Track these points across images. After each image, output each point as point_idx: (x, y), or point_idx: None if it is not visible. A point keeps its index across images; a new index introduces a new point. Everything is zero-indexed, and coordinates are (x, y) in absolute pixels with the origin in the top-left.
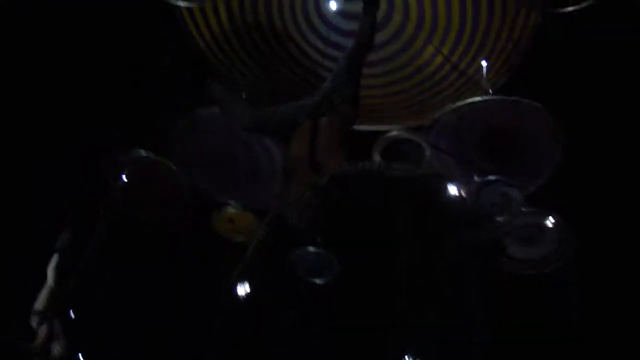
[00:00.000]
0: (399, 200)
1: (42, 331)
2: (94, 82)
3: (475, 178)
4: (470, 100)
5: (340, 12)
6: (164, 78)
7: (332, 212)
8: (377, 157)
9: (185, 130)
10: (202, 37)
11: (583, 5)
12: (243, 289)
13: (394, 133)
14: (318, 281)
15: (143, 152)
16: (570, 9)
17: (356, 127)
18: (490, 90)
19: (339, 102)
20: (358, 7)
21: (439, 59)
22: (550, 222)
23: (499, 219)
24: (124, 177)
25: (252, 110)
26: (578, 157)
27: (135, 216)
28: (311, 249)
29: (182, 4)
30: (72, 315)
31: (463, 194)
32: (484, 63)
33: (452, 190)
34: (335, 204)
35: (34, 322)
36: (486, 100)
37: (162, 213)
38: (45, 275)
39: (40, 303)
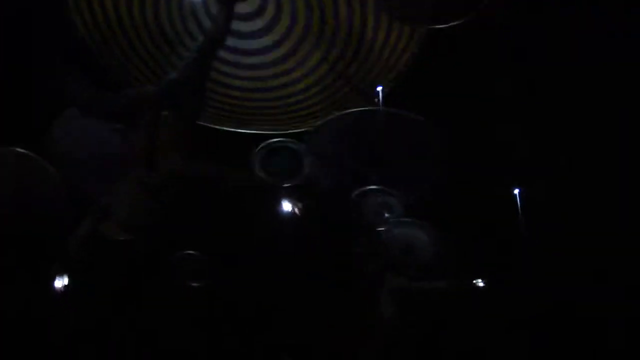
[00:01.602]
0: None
1: None
2: None
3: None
4: (354, 109)
5: None
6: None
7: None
8: (257, 164)
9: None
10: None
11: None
12: (61, 283)
13: (275, 140)
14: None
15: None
16: (452, 23)
17: (238, 130)
18: (376, 100)
19: (184, 96)
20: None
21: (325, 66)
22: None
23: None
24: None
25: (93, 91)
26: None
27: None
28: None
29: None
30: None
31: (296, 210)
32: (379, 88)
33: (286, 205)
34: (166, 205)
35: None
36: (371, 110)
37: (37, 213)
38: None
39: None
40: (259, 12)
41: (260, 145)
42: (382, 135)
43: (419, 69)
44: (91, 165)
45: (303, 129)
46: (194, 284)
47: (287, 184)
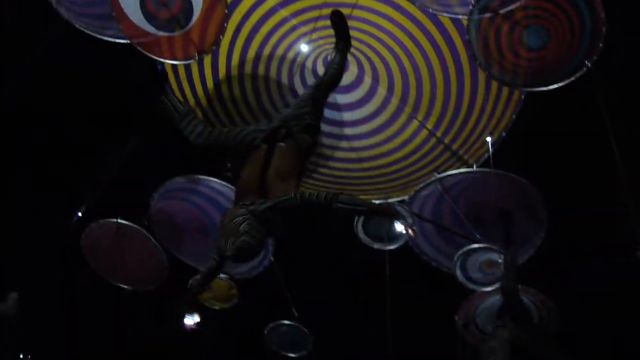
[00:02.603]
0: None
1: None
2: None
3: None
4: (455, 171)
5: None
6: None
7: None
8: (360, 230)
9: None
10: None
11: (561, 84)
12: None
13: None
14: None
15: (119, 220)
16: (551, 87)
17: None
18: (474, 165)
19: (298, 131)
20: None
21: (423, 133)
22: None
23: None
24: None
25: (205, 126)
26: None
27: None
28: (285, 322)
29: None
30: None
31: (410, 232)
32: (488, 139)
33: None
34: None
35: None
36: (471, 172)
37: (139, 280)
38: None
39: None
40: (356, 84)
41: None
42: (482, 195)
43: (523, 131)
44: (190, 234)
45: (402, 197)
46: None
47: (389, 246)
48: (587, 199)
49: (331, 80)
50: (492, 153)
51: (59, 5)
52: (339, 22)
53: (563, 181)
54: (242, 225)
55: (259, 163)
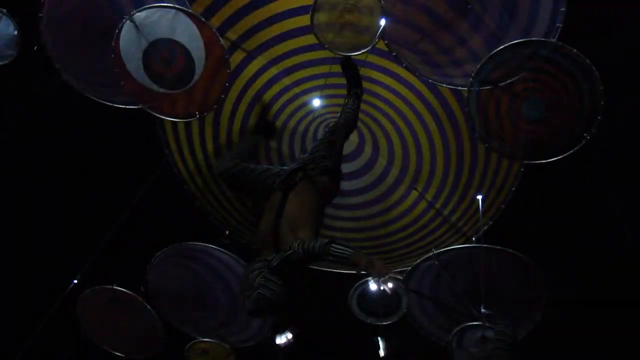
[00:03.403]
0: None
1: None
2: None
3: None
4: (453, 247)
5: None
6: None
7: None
8: (354, 304)
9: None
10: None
11: (563, 156)
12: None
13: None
14: None
15: (116, 287)
16: (552, 159)
17: (336, 270)
18: (473, 238)
19: (316, 174)
20: None
21: (422, 205)
22: None
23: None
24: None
25: (234, 158)
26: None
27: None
28: None
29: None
30: None
31: (386, 288)
32: (479, 197)
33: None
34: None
35: None
36: (469, 248)
37: (133, 348)
38: None
39: None
40: (356, 154)
41: (358, 283)
42: (481, 271)
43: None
44: (187, 302)
45: (400, 269)
46: None
47: (384, 323)
48: (587, 272)
49: (346, 123)
50: (491, 226)
51: (67, 75)
52: (349, 68)
53: (563, 255)
54: (257, 279)
55: (273, 214)
